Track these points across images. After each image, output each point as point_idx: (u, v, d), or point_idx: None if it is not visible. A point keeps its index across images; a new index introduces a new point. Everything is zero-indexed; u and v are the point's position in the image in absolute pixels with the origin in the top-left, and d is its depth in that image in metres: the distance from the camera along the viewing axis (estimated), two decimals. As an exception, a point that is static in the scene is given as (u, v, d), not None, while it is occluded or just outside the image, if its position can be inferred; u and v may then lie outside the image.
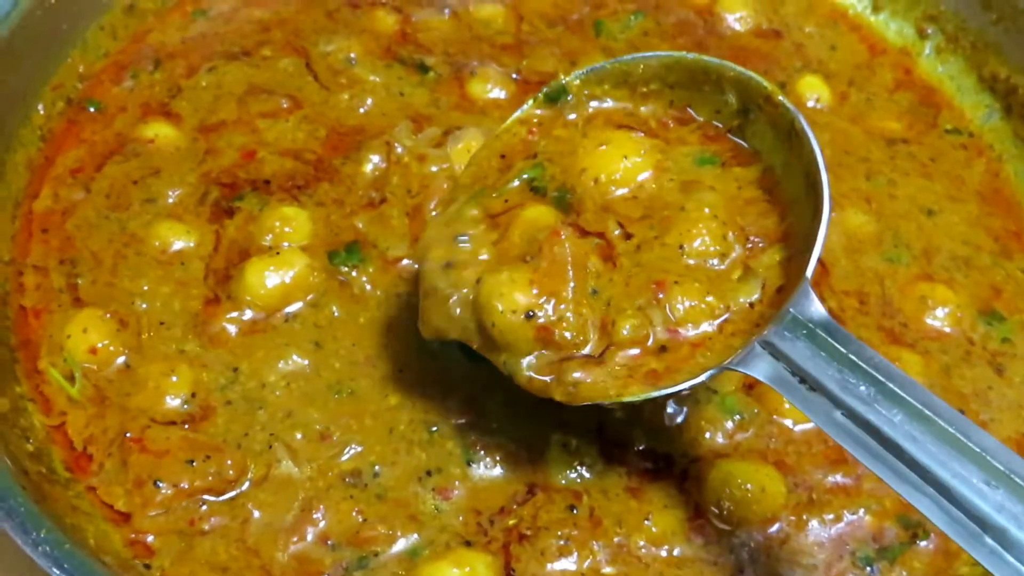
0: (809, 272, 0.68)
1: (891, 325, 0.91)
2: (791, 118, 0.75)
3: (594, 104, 0.83)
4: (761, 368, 0.66)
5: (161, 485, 0.76)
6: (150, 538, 0.75)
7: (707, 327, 0.71)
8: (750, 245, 0.74)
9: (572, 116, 0.82)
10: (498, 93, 1.05)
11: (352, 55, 1.07)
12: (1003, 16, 1.06)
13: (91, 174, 0.96)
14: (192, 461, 0.77)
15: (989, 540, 0.57)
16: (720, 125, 0.80)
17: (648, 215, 0.76)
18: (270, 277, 0.87)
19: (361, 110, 1.02)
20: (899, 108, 1.10)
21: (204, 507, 0.77)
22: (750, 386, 0.85)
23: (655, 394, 0.69)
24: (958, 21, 1.11)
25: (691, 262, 0.73)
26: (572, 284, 0.71)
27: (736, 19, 1.15)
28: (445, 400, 0.82)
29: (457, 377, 0.84)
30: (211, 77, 1.04)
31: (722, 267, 0.73)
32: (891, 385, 0.62)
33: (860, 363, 0.63)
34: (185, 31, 1.10)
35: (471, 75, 1.06)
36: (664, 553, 0.77)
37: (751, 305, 0.71)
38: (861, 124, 1.07)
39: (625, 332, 0.71)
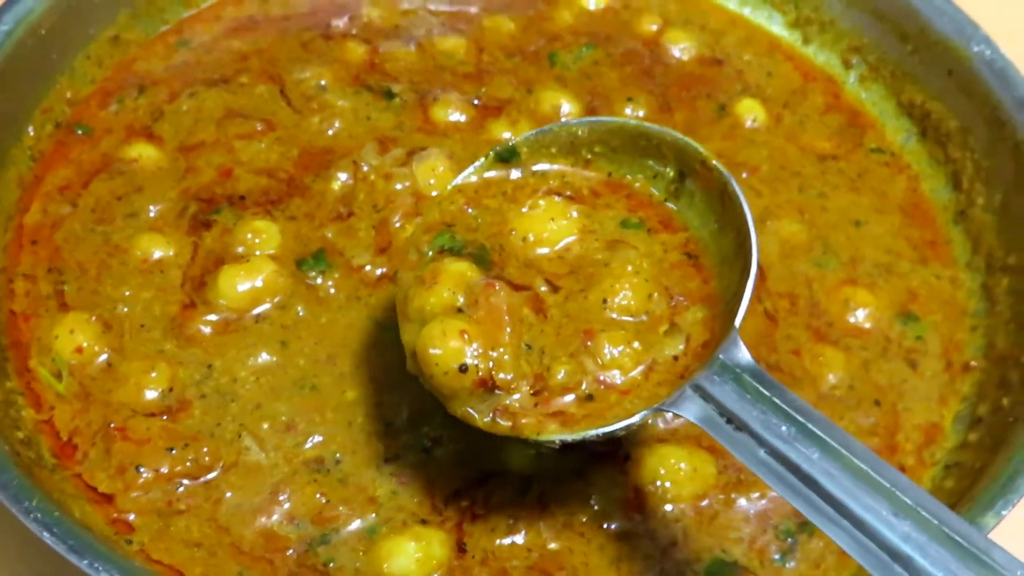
0: (738, 322, 0.73)
1: (818, 324, 0.99)
2: (724, 181, 0.80)
3: (538, 167, 0.88)
4: (691, 409, 0.71)
5: (143, 470, 0.83)
6: (131, 517, 0.82)
7: (634, 374, 0.76)
8: (674, 303, 0.80)
9: (516, 174, 0.87)
10: (458, 116, 1.12)
11: (323, 82, 1.14)
12: (918, 48, 1.15)
13: (78, 191, 1.03)
14: (172, 449, 0.84)
15: (898, 568, 0.61)
16: (656, 192, 0.86)
17: (574, 271, 0.82)
18: (241, 282, 0.94)
19: (330, 132, 1.10)
20: (829, 129, 1.17)
21: (181, 489, 0.83)
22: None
23: (599, 432, 0.74)
24: (879, 52, 1.19)
25: (615, 315, 0.78)
26: (509, 330, 0.76)
27: (680, 49, 1.23)
28: (398, 395, 0.89)
29: (405, 377, 0.89)
30: (191, 102, 1.12)
31: (647, 320, 0.78)
32: (810, 426, 0.67)
33: (782, 405, 0.68)
34: (168, 60, 1.17)
35: (434, 101, 1.13)
36: (606, 528, 0.84)
37: (675, 358, 0.77)
38: (795, 142, 1.15)
39: (560, 377, 0.76)
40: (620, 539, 0.84)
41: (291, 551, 0.81)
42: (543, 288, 0.80)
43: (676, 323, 0.78)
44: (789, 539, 0.85)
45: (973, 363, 0.97)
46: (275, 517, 0.82)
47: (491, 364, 0.74)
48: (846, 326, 0.99)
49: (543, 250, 0.83)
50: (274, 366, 0.91)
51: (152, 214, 1.01)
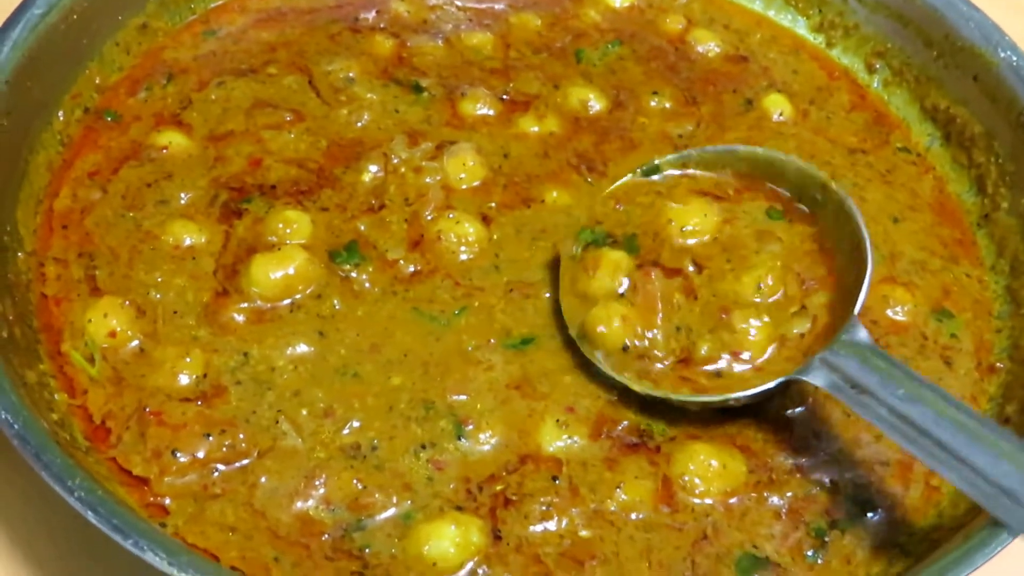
0: (856, 310, 0.86)
1: (864, 323, 0.98)
2: (840, 200, 0.93)
3: (680, 172, 1.02)
4: (820, 378, 0.84)
5: (179, 455, 0.83)
6: (167, 501, 0.82)
7: (767, 353, 0.89)
8: (805, 287, 0.92)
9: (657, 177, 1.02)
10: (486, 111, 1.13)
11: (351, 74, 1.15)
12: (943, 52, 1.16)
13: (108, 177, 1.03)
14: (209, 435, 0.84)
15: (1006, 501, 0.73)
16: (788, 193, 0.98)
17: (721, 253, 0.94)
18: (274, 270, 0.94)
19: (359, 124, 1.10)
20: (855, 126, 1.19)
21: (216, 474, 0.83)
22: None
23: (738, 396, 0.87)
24: (903, 57, 1.21)
25: (755, 297, 0.91)
26: (661, 315, 0.90)
27: (705, 47, 1.25)
28: (446, 381, 0.90)
29: (457, 360, 0.92)
30: (220, 91, 1.12)
31: (782, 301, 0.91)
32: (921, 388, 0.79)
33: (895, 372, 0.81)
34: (196, 49, 1.18)
35: (462, 96, 1.14)
36: (634, 518, 0.84)
37: (802, 335, 0.89)
38: (823, 135, 1.16)
39: (703, 352, 0.89)
40: (648, 530, 0.84)
41: (327, 536, 0.81)
42: (691, 268, 0.93)
43: (806, 306, 0.91)
44: (822, 536, 0.85)
45: (999, 364, 0.99)
46: (311, 502, 0.83)
47: (647, 343, 0.90)
48: (887, 322, 1.00)
49: (693, 240, 0.96)
50: (313, 355, 0.91)
51: (183, 201, 1.01)
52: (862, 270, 0.88)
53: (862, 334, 0.84)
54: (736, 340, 0.89)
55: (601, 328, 0.89)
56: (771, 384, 0.86)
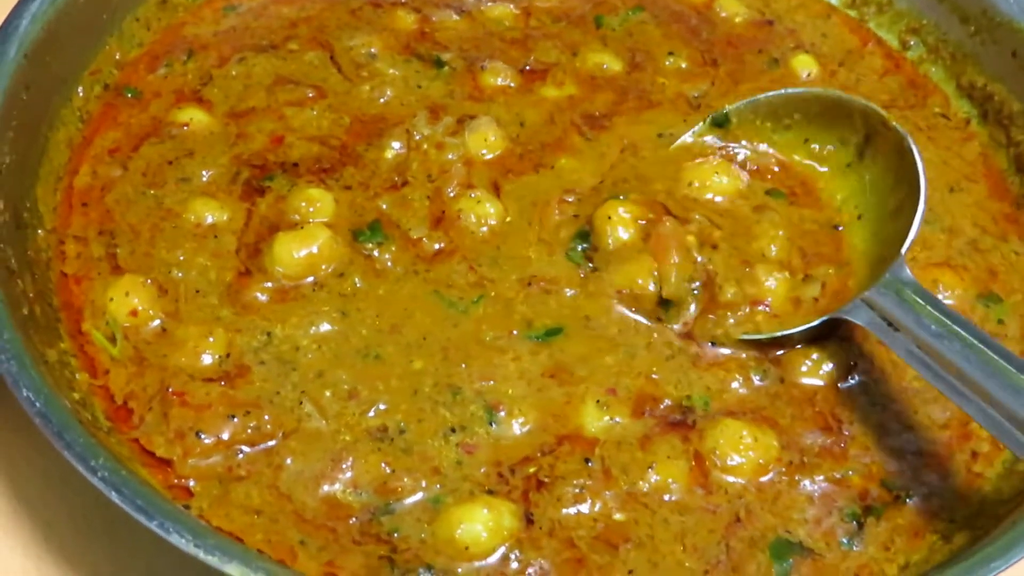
0: (904, 249, 0.89)
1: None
2: (901, 138, 0.94)
3: (738, 145, 1.05)
4: (860, 316, 0.87)
5: (203, 436, 0.81)
6: (191, 483, 0.80)
7: (785, 302, 0.93)
8: (806, 260, 0.96)
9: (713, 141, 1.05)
10: (507, 82, 1.12)
11: (373, 50, 1.13)
12: (980, 28, 1.13)
13: (128, 154, 1.02)
14: (233, 416, 0.82)
15: (1019, 436, 0.75)
16: (826, 168, 1.02)
17: (728, 217, 0.98)
18: (297, 249, 0.92)
19: (381, 100, 1.09)
20: (888, 89, 1.16)
21: (240, 456, 0.82)
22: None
23: (776, 335, 0.91)
24: (938, 33, 1.18)
25: (773, 255, 0.95)
26: (676, 259, 0.92)
27: (729, 15, 1.22)
28: (469, 366, 0.88)
29: (477, 347, 0.90)
30: (241, 67, 1.10)
31: (789, 268, 0.95)
32: (953, 325, 0.82)
33: (932, 310, 0.83)
34: (216, 25, 1.16)
35: (483, 69, 1.12)
36: (668, 500, 0.83)
37: (816, 299, 0.93)
38: (852, 93, 1.11)
39: (729, 296, 0.92)
40: (683, 513, 0.83)
41: (354, 519, 0.80)
42: (698, 217, 0.96)
43: (810, 274, 0.95)
44: (855, 522, 0.84)
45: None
46: (337, 485, 0.81)
47: (662, 286, 0.92)
48: None
49: (704, 195, 1.00)
50: (336, 335, 0.89)
51: (204, 179, 1.00)
52: (912, 212, 0.91)
53: (904, 272, 0.87)
54: (759, 292, 0.92)
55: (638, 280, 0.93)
56: (816, 322, 0.90)
